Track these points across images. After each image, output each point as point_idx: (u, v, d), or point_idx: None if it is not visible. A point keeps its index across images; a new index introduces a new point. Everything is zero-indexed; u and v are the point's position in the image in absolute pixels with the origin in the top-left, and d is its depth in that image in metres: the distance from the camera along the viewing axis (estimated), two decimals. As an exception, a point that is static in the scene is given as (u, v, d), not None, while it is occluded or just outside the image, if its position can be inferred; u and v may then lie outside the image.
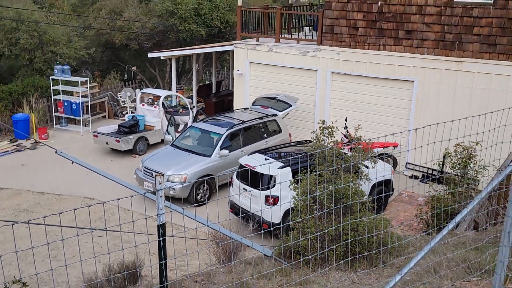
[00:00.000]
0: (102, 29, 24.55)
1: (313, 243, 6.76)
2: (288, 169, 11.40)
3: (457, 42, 14.70)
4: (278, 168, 11.38)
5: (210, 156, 14.01)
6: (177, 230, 11.04)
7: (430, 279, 5.69)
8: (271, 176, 11.42)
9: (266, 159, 11.90)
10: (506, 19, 13.99)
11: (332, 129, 9.08)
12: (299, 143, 13.97)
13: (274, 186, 11.31)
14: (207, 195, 13.95)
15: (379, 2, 15.57)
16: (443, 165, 13.02)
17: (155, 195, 3.40)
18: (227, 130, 14.47)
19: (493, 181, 4.02)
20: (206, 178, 13.77)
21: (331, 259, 6.85)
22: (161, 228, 3.17)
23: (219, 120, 15.45)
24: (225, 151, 14.15)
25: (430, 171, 14.64)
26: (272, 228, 10.84)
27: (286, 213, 10.94)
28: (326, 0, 16.60)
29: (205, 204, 13.62)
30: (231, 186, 12.71)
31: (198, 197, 13.68)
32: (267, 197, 11.37)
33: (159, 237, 3.10)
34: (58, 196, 14.13)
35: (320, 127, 9.21)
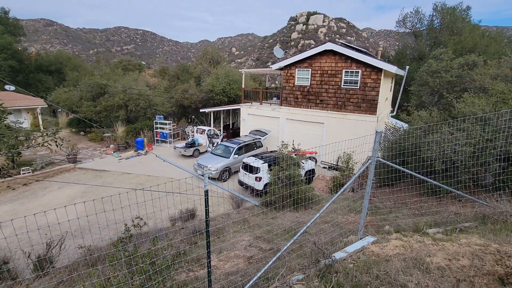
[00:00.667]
0: (179, 99, 24.67)
1: (277, 199, 6.81)
2: (266, 164, 11.46)
3: (343, 105, 14.93)
4: (261, 163, 11.45)
5: (229, 158, 14.03)
6: (213, 193, 11.02)
7: (332, 214, 5.75)
8: (258, 167, 11.46)
9: (255, 159, 11.96)
10: (364, 95, 14.26)
11: (286, 145, 9.19)
12: (271, 151, 14.03)
13: (259, 172, 11.34)
14: (227, 177, 13.92)
15: (307, 87, 15.81)
16: (337, 162, 13.15)
17: (203, 176, 3.44)
18: (237, 145, 14.54)
19: (360, 169, 4.15)
20: (227, 168, 13.79)
21: (286, 206, 6.86)
22: (206, 192, 3.20)
23: (233, 141, 15.48)
24: (236, 156, 14.20)
25: (332, 165, 14.74)
26: (259, 192, 10.89)
27: (265, 185, 10.86)
28: (283, 85, 16.81)
29: (226, 181, 13.64)
30: (239, 172, 12.73)
31: (223, 177, 13.69)
32: (256, 177, 11.37)
33: (205, 195, 3.14)
34: (156, 177, 14.09)
35: (281, 144, 9.31)
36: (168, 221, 6.83)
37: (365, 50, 17.28)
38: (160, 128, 19.81)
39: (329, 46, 14.64)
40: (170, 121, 19.90)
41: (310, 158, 15.14)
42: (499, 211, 3.71)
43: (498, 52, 16.26)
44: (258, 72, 22.18)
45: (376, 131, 3.68)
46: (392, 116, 18.80)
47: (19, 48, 34.11)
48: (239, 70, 22.19)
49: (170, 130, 19.62)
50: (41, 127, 22.07)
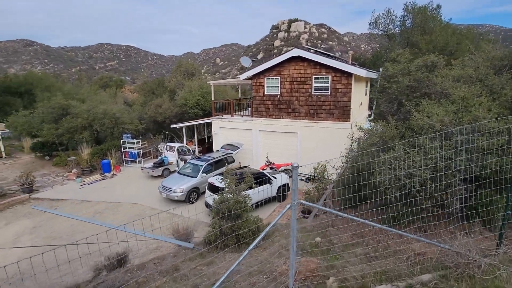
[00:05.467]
0: (152, 114, 23.57)
1: (217, 236, 5.78)
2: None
3: (315, 113, 14.16)
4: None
5: (196, 177, 12.95)
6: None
7: (274, 258, 4.77)
8: (223, 187, 10.44)
9: (221, 179, 10.96)
10: (336, 102, 13.53)
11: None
12: (242, 167, 13.10)
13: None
14: (196, 198, 12.77)
15: (278, 96, 15.01)
16: (315, 173, 12.29)
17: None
18: (205, 163, 13.49)
19: (278, 216, 3.20)
20: (195, 188, 12.69)
21: (232, 244, 5.85)
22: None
23: (202, 157, 14.42)
24: (205, 174, 13.13)
25: (309, 176, 13.82)
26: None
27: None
28: (253, 96, 15.97)
29: (194, 203, 12.56)
30: (205, 193, 11.65)
31: (191, 199, 12.56)
32: (220, 199, 10.34)
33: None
34: (118, 203, 12.90)
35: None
36: (92, 271, 5.64)
37: (333, 55, 16.67)
38: (129, 147, 18.61)
39: (296, 52, 13.92)
40: (138, 140, 18.69)
41: (285, 170, 14.25)
42: (464, 262, 2.80)
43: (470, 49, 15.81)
44: (229, 82, 21.34)
45: (293, 166, 2.73)
46: (369, 121, 18.13)
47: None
48: (208, 82, 21.30)
49: (139, 149, 18.43)
50: (3, 153, 20.57)
